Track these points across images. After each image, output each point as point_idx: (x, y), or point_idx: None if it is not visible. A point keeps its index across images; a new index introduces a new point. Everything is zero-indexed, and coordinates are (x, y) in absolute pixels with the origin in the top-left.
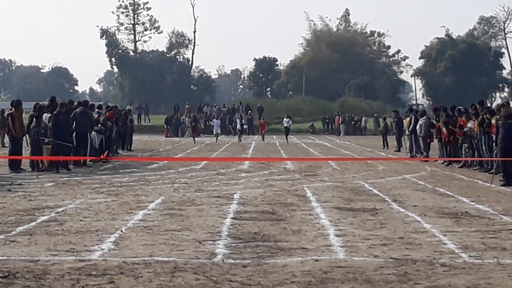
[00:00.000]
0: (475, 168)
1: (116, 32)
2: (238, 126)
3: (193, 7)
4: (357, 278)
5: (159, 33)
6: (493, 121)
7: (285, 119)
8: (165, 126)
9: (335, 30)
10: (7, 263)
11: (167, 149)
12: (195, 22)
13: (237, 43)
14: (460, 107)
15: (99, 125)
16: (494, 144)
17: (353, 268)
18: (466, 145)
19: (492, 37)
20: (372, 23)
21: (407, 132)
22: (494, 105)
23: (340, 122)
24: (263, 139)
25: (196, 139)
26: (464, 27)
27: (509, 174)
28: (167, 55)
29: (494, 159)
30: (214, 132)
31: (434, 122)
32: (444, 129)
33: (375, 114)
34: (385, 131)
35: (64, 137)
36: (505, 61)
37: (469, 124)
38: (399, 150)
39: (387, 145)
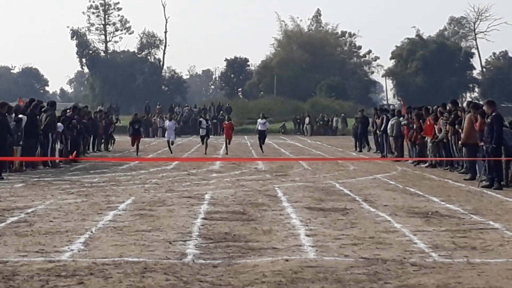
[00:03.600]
0: (445, 168)
1: (87, 32)
2: (201, 129)
3: (164, 8)
4: (328, 278)
5: (130, 33)
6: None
7: (259, 120)
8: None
9: (306, 30)
10: None
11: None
12: (166, 22)
13: (208, 44)
14: (429, 107)
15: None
16: (480, 141)
17: (323, 268)
18: (430, 144)
19: (462, 38)
20: (343, 23)
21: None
22: (465, 105)
23: (307, 122)
24: (226, 149)
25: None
26: (435, 28)
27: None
28: (138, 55)
29: (464, 159)
30: (166, 138)
31: (405, 122)
32: (413, 128)
33: (343, 114)
34: (355, 132)
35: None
36: (475, 61)
37: (440, 130)
38: (360, 151)
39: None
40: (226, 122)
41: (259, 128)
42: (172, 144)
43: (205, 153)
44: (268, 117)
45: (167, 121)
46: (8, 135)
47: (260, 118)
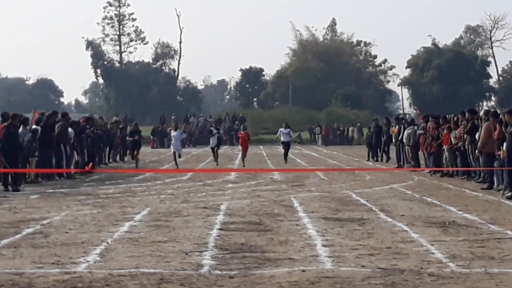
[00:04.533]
0: (462, 177)
1: (102, 43)
2: (212, 139)
3: (178, 18)
4: None
5: (144, 44)
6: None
7: (282, 129)
8: (151, 137)
9: (321, 39)
10: None
11: (153, 160)
12: (181, 32)
13: (223, 54)
14: (449, 115)
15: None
16: (497, 150)
17: (340, 278)
18: (447, 153)
19: (478, 46)
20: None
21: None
22: (481, 113)
23: (318, 132)
24: (243, 162)
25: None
26: (451, 36)
27: None
28: (153, 66)
29: (481, 168)
30: (171, 150)
31: (421, 131)
32: (429, 137)
33: (358, 124)
34: (369, 141)
35: (11, 152)
36: (491, 70)
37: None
38: (377, 160)
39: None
40: (242, 132)
41: (282, 139)
42: (180, 157)
43: (216, 164)
44: (291, 127)
45: (173, 131)
46: (20, 147)
47: (283, 127)
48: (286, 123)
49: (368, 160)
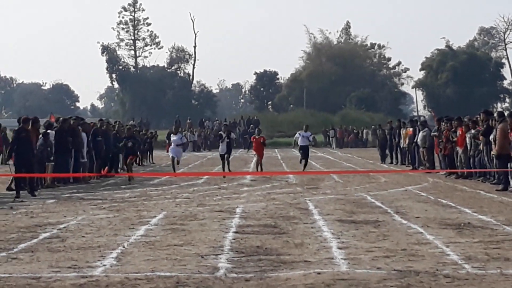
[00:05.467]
0: (478, 179)
1: (117, 48)
2: (222, 145)
3: (193, 22)
4: None
5: (159, 48)
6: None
7: (302, 132)
8: (166, 141)
9: (335, 43)
10: (9, 281)
11: (168, 164)
12: (195, 37)
13: (238, 57)
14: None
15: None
16: None
17: (356, 281)
18: (461, 155)
19: (492, 48)
20: (372, 35)
21: (405, 144)
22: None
23: (332, 135)
24: (260, 168)
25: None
26: (465, 38)
27: None
28: (168, 70)
29: (496, 170)
30: (169, 155)
31: (436, 133)
32: (444, 139)
33: (373, 126)
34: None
35: (23, 156)
36: (505, 71)
37: (472, 131)
38: (391, 162)
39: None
40: (257, 136)
41: (300, 142)
42: (178, 163)
43: (224, 177)
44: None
45: (172, 135)
46: (33, 151)
47: (303, 130)
48: (306, 126)
49: (383, 162)
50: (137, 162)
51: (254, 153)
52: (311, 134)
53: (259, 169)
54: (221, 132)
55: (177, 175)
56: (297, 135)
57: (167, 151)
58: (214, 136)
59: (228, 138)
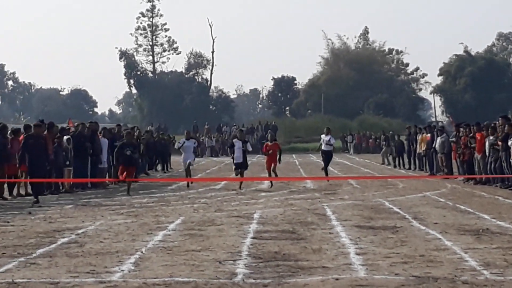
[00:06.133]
0: (496, 184)
1: (135, 53)
2: (236, 153)
3: (211, 28)
4: None
5: (177, 54)
6: None
7: (323, 136)
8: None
9: (353, 48)
10: (27, 286)
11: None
12: (213, 42)
13: (256, 63)
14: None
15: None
16: None
17: (374, 287)
18: (480, 161)
19: (511, 53)
20: (390, 40)
21: (421, 150)
22: None
23: (350, 141)
24: (272, 172)
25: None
26: (483, 44)
27: None
28: (186, 75)
29: None
30: (182, 160)
31: (454, 139)
32: (462, 145)
33: (391, 132)
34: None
35: (34, 163)
36: None
37: (491, 137)
38: (409, 168)
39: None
40: (270, 143)
41: (323, 148)
42: (191, 165)
43: (240, 189)
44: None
45: (184, 140)
46: (45, 157)
47: (324, 134)
48: (327, 128)
49: (400, 167)
50: (165, 168)
51: (266, 162)
52: (330, 138)
53: (275, 173)
54: (235, 140)
55: (194, 180)
56: (321, 139)
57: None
58: (225, 144)
59: (243, 146)
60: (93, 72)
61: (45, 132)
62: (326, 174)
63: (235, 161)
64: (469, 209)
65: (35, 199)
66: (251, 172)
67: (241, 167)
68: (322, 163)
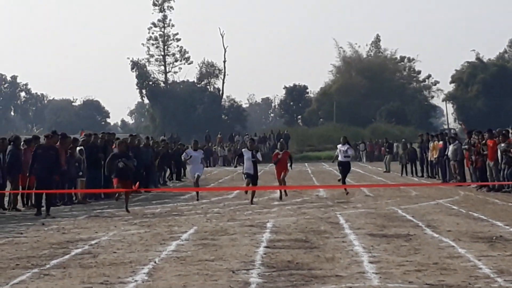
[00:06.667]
0: (507, 190)
1: (147, 63)
2: (246, 164)
3: (222, 37)
4: None
5: (189, 63)
6: None
7: (340, 146)
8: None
9: (364, 56)
10: None
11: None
12: (225, 52)
13: (267, 72)
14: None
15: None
16: None
17: None
18: (493, 168)
19: None
20: (402, 48)
21: (433, 157)
22: None
23: (362, 149)
24: (284, 182)
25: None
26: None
27: None
28: (198, 85)
29: None
30: (190, 173)
31: (466, 146)
32: (474, 152)
33: (403, 140)
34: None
35: (41, 175)
36: None
37: (503, 144)
38: (422, 176)
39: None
40: (280, 152)
41: (340, 159)
42: (199, 177)
43: (251, 203)
44: (350, 144)
45: (191, 150)
46: (57, 169)
47: (341, 143)
48: (344, 137)
49: (413, 175)
50: (179, 178)
51: (276, 172)
52: (348, 147)
53: (284, 182)
54: (244, 150)
55: (206, 190)
56: (337, 150)
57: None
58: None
59: (253, 157)
60: (105, 82)
61: (58, 143)
62: (344, 181)
63: (245, 171)
64: (483, 216)
65: (37, 211)
66: (263, 181)
67: (251, 178)
68: (339, 174)
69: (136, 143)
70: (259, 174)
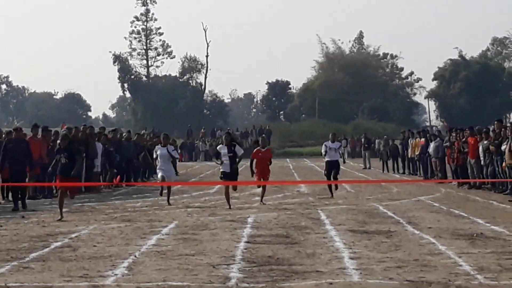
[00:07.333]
0: (491, 189)
1: (129, 57)
2: (224, 158)
3: (205, 32)
4: None
5: (171, 58)
6: None
7: (329, 144)
8: (179, 150)
9: (347, 52)
10: None
11: (181, 173)
12: (208, 46)
13: (250, 67)
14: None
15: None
16: None
17: None
18: (474, 165)
19: (505, 58)
20: (384, 45)
21: (414, 154)
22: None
23: (344, 145)
24: (262, 196)
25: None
26: (478, 48)
27: None
28: (180, 79)
29: (508, 180)
30: (158, 174)
31: (447, 144)
32: (455, 150)
33: (385, 136)
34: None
35: (13, 168)
36: None
37: (485, 141)
38: (404, 172)
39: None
40: (262, 150)
41: (329, 158)
42: (169, 188)
43: (229, 207)
44: (340, 141)
45: (159, 146)
46: (26, 161)
47: (330, 140)
48: (333, 134)
49: (394, 172)
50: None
51: (256, 174)
52: (340, 145)
53: (262, 198)
54: (219, 147)
55: (187, 184)
56: (323, 147)
57: (180, 161)
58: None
59: (230, 152)
60: (87, 76)
61: (39, 136)
62: (336, 187)
63: (221, 169)
64: (463, 213)
65: (14, 206)
66: (245, 177)
67: (228, 178)
68: (325, 176)
69: (118, 137)
70: (240, 169)
